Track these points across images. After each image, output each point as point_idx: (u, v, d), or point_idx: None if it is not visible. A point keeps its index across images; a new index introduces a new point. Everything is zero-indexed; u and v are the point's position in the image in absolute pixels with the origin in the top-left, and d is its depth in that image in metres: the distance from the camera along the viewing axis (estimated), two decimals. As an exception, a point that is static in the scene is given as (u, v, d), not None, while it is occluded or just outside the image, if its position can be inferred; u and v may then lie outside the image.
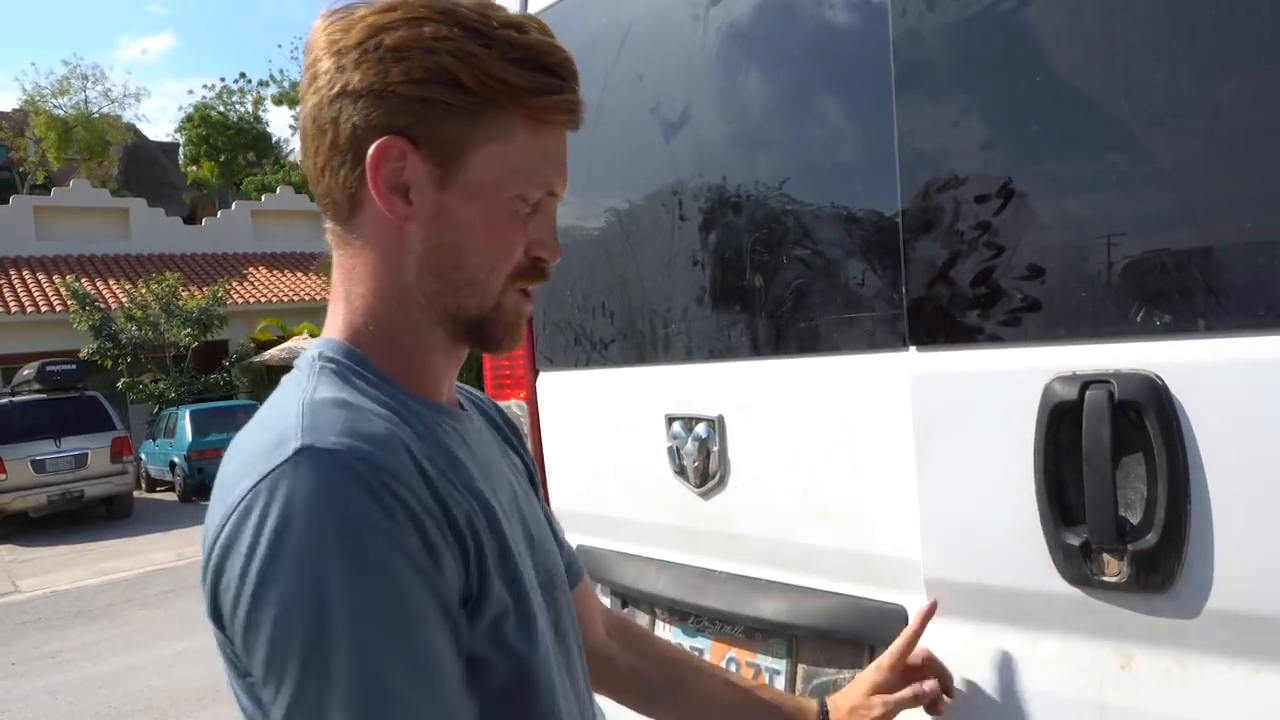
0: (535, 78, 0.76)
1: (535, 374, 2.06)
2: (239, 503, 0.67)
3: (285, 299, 22.47)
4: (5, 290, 20.01)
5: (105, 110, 31.32)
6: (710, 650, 1.70)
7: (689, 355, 1.70)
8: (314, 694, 0.63)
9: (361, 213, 0.80)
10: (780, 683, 1.56)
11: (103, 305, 18.57)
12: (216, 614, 0.69)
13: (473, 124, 0.76)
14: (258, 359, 20.09)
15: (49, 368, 13.82)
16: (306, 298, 22.44)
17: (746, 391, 1.59)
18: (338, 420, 0.70)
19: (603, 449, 1.91)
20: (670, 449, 1.70)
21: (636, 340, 1.82)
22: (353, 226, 0.81)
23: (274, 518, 0.65)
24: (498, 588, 0.76)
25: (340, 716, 0.63)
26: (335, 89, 0.76)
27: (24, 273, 21.02)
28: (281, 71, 37.13)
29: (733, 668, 1.65)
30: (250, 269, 23.84)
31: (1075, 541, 1.12)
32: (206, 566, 0.69)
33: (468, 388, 1.07)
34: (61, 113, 30.31)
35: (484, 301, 0.81)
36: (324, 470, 0.66)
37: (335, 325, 0.83)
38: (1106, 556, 1.10)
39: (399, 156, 0.76)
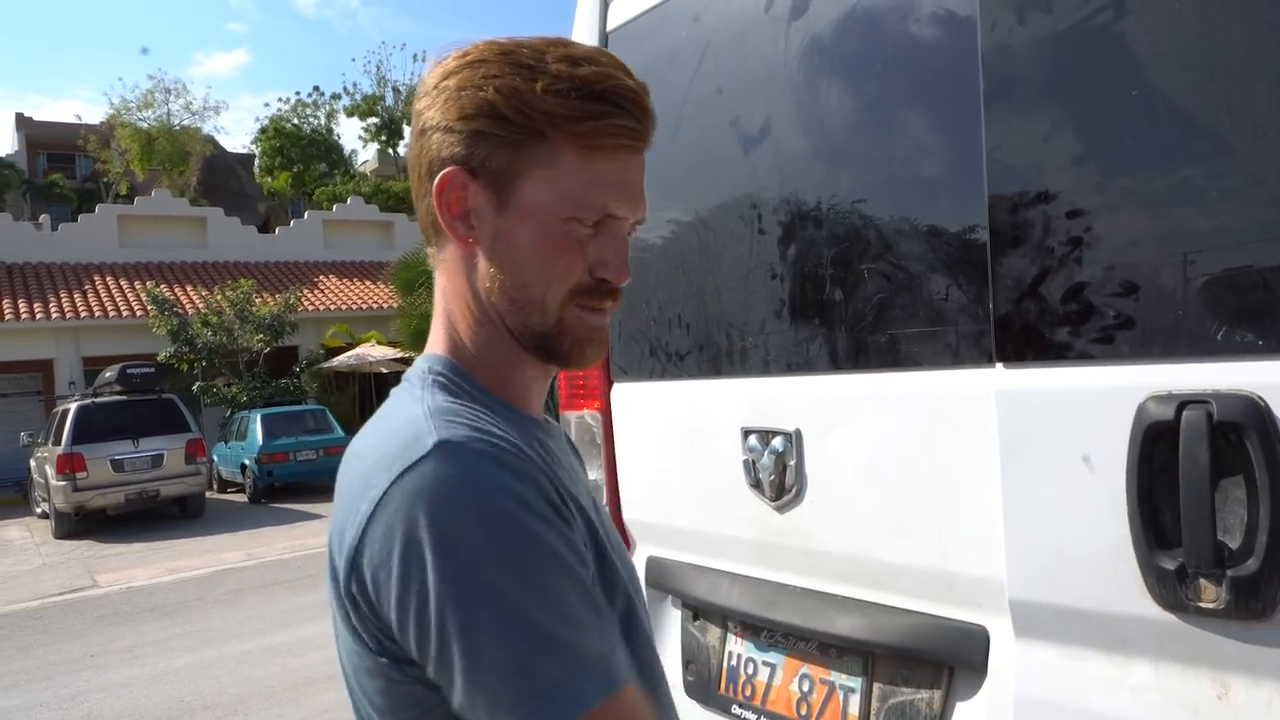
0: (577, 106, 0.81)
1: (609, 384, 2.08)
2: (382, 497, 0.74)
3: (354, 306, 22.94)
4: (90, 295, 20.78)
5: (186, 123, 32.34)
6: (783, 666, 1.69)
7: (766, 368, 1.70)
8: (490, 642, 0.70)
9: (443, 237, 0.88)
10: (855, 701, 1.54)
11: (180, 310, 19.16)
12: (365, 602, 0.75)
13: (520, 153, 0.83)
14: (326, 365, 20.53)
15: (129, 370, 14.26)
16: (374, 305, 22.89)
17: (825, 405, 1.58)
18: (462, 421, 0.78)
19: (676, 460, 1.91)
20: (746, 462, 1.70)
21: (713, 352, 1.82)
22: (440, 249, 0.90)
23: (427, 503, 0.71)
24: (609, 579, 0.84)
25: (520, 654, 0.70)
26: (419, 127, 0.86)
27: (108, 278, 21.80)
28: (354, 84, 38.01)
29: (806, 684, 1.64)
30: (321, 277, 24.38)
31: (1170, 565, 1.09)
32: (349, 561, 0.75)
33: None
34: (145, 125, 31.38)
35: (544, 318, 0.86)
36: (464, 456, 0.74)
37: (437, 340, 0.90)
38: (1203, 582, 1.07)
39: (460, 186, 0.84)
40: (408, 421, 0.78)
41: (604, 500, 2.05)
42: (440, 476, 0.72)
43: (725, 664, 1.81)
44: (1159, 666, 1.15)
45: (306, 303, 21.81)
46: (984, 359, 1.32)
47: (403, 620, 0.72)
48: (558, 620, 0.71)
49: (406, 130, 36.32)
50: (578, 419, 2.12)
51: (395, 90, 35.82)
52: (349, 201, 28.16)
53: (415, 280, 18.19)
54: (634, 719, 0.73)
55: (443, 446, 0.74)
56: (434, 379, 0.85)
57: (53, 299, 20.22)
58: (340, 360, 20.20)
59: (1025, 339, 1.27)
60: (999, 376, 1.29)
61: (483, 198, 0.83)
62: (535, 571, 0.72)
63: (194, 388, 18.46)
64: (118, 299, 20.86)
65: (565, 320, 0.86)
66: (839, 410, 1.56)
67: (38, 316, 19.42)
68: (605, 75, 0.82)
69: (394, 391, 0.88)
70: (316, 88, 49.98)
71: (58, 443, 13.51)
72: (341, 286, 24.14)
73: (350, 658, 0.80)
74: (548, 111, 0.80)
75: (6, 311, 19.23)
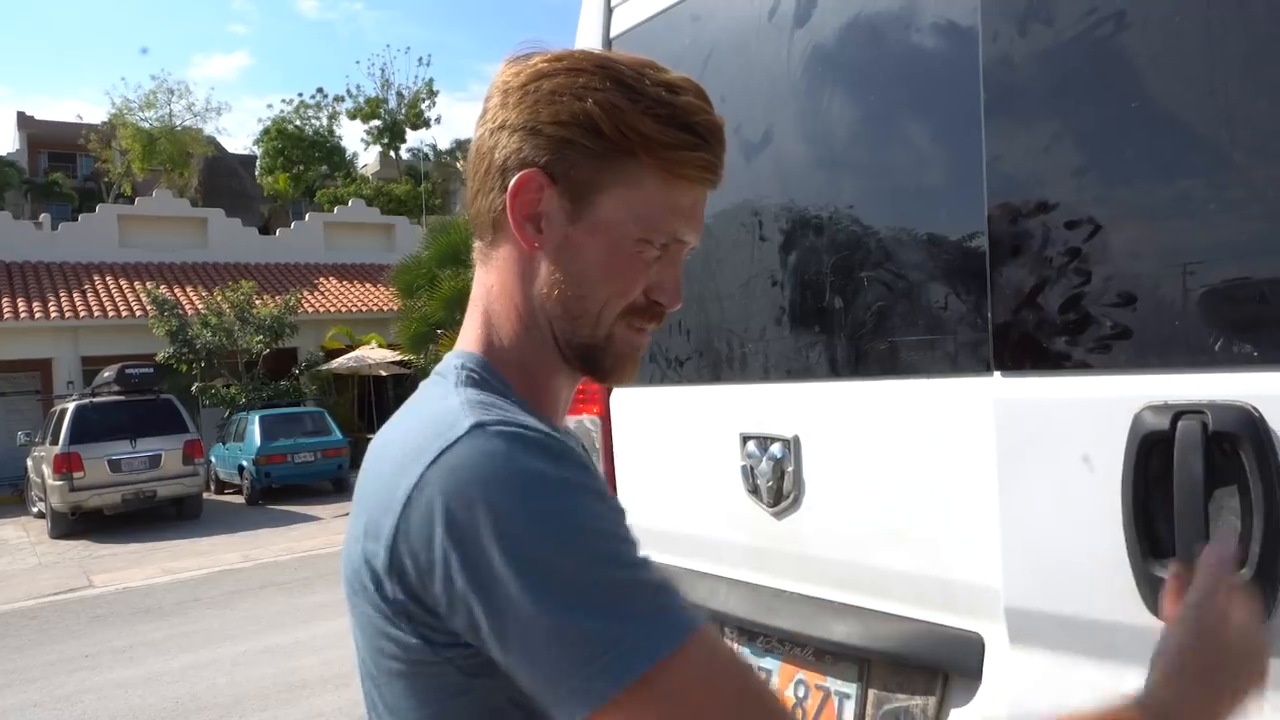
0: (671, 134, 0.82)
1: (609, 390, 2.09)
2: (419, 480, 0.73)
3: (354, 309, 22.97)
4: (90, 294, 20.80)
5: (188, 123, 32.38)
6: (779, 671, 1.70)
7: (765, 375, 1.71)
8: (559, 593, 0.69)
9: (501, 236, 0.88)
10: (850, 707, 1.55)
11: (180, 311, 19.14)
12: (405, 585, 0.73)
13: (606, 168, 0.83)
14: (325, 367, 20.53)
15: (128, 370, 14.26)
16: (374, 308, 22.90)
17: (823, 412, 1.59)
18: (498, 409, 0.78)
19: (675, 466, 1.92)
20: (744, 468, 1.71)
21: (712, 358, 1.83)
22: (493, 247, 0.89)
23: (464, 482, 0.71)
24: None
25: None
26: (497, 122, 0.85)
27: (108, 278, 21.81)
28: (358, 87, 38.03)
29: (801, 690, 1.65)
30: (321, 279, 24.40)
31: (1164, 575, 1.10)
32: (388, 545, 0.73)
33: None
34: (147, 125, 31.41)
35: (595, 332, 0.87)
36: (500, 438, 0.73)
37: (472, 338, 0.90)
38: (1198, 591, 1.07)
39: (537, 189, 0.84)
40: (443, 409, 0.78)
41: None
42: (476, 456, 0.72)
43: (721, 669, 1.81)
44: (1153, 675, 1.15)
45: (306, 304, 21.83)
46: (982, 367, 1.33)
47: (450, 598, 0.71)
48: (611, 580, 0.69)
49: (409, 134, 36.44)
50: (577, 424, 2.13)
51: (399, 94, 35.86)
52: (350, 204, 28.24)
53: (415, 283, 18.21)
54: (712, 660, 0.70)
55: (478, 429, 0.73)
56: (467, 375, 0.85)
57: (52, 298, 20.24)
58: (340, 362, 20.20)
59: (1023, 348, 1.27)
60: (997, 385, 1.30)
61: (557, 204, 0.84)
62: (583, 537, 0.70)
63: (193, 388, 18.45)
64: (117, 299, 20.87)
65: (614, 336, 0.87)
66: (837, 417, 1.57)
67: (37, 316, 19.44)
68: (700, 108, 0.83)
69: (423, 385, 0.88)
70: (319, 89, 49.99)
71: (55, 442, 13.52)
72: (342, 289, 24.16)
73: (376, 656, 0.79)
74: (645, 134, 0.81)
75: (6, 310, 19.24)
